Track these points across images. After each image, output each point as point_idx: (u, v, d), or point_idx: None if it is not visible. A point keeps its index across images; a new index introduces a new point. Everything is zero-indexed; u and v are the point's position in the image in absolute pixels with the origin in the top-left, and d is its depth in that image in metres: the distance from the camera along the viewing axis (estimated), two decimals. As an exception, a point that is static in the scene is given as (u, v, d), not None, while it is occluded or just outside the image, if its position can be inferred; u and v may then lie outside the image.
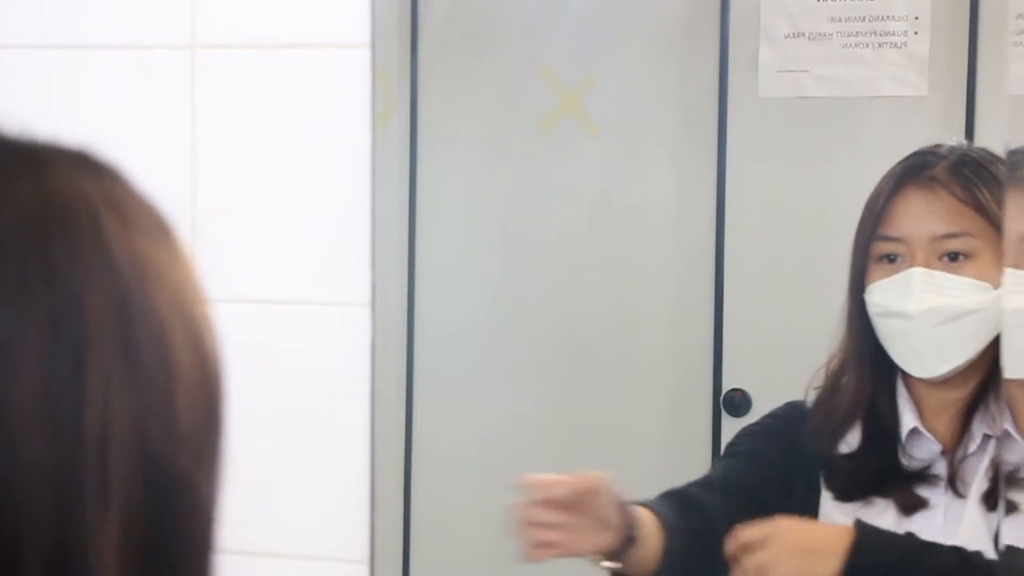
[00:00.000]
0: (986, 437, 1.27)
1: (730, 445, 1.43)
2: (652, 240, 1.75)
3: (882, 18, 1.66)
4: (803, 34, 1.69)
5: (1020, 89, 1.33)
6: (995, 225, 1.27)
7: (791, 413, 1.38)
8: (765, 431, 1.40)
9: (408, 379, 1.72)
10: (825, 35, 1.68)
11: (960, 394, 1.29)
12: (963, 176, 1.29)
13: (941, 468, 1.29)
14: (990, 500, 1.25)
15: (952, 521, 1.27)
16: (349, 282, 1.26)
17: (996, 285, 1.27)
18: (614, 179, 1.76)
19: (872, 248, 1.31)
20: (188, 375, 0.56)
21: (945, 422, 1.30)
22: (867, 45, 1.67)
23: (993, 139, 1.51)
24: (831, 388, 1.35)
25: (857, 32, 1.67)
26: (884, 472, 1.31)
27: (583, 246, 1.76)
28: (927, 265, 1.27)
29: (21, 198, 0.53)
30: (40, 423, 0.50)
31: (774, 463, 1.37)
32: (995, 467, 1.25)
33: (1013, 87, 1.36)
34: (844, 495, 1.32)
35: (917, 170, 1.30)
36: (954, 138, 1.37)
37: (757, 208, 1.70)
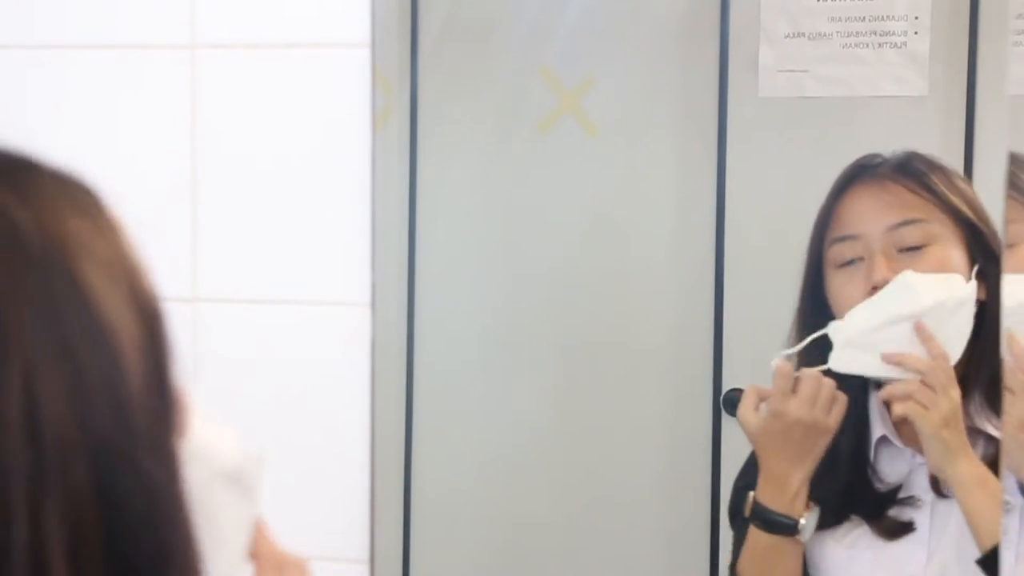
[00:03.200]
0: (970, 430, 1.22)
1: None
2: (652, 240, 1.75)
3: (882, 18, 1.66)
4: (803, 34, 1.69)
5: (1020, 89, 1.33)
6: (949, 211, 1.24)
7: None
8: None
9: (408, 379, 1.71)
10: (825, 35, 1.68)
11: None
12: (909, 166, 1.28)
13: (919, 476, 1.25)
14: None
15: (940, 523, 1.24)
16: (349, 282, 1.26)
17: (961, 270, 1.24)
18: (614, 179, 1.76)
19: (828, 255, 1.27)
20: (132, 357, 0.55)
21: None
22: (867, 45, 1.67)
23: (993, 139, 1.51)
24: None
25: (857, 32, 1.67)
26: (854, 491, 1.27)
27: (583, 246, 1.76)
28: (886, 256, 1.24)
29: None
30: None
31: None
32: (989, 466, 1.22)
33: (1013, 87, 1.36)
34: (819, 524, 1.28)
35: (863, 169, 1.29)
36: (889, 146, 1.36)
37: (757, 208, 1.70)
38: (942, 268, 1.24)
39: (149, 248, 0.61)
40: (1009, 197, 1.24)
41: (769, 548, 1.28)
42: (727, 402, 1.70)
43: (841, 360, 1.24)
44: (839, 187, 1.29)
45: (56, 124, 1.31)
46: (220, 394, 1.09)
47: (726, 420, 1.68)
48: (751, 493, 1.29)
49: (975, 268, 1.24)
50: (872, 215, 1.26)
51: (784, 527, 1.26)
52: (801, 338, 1.30)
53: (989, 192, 1.31)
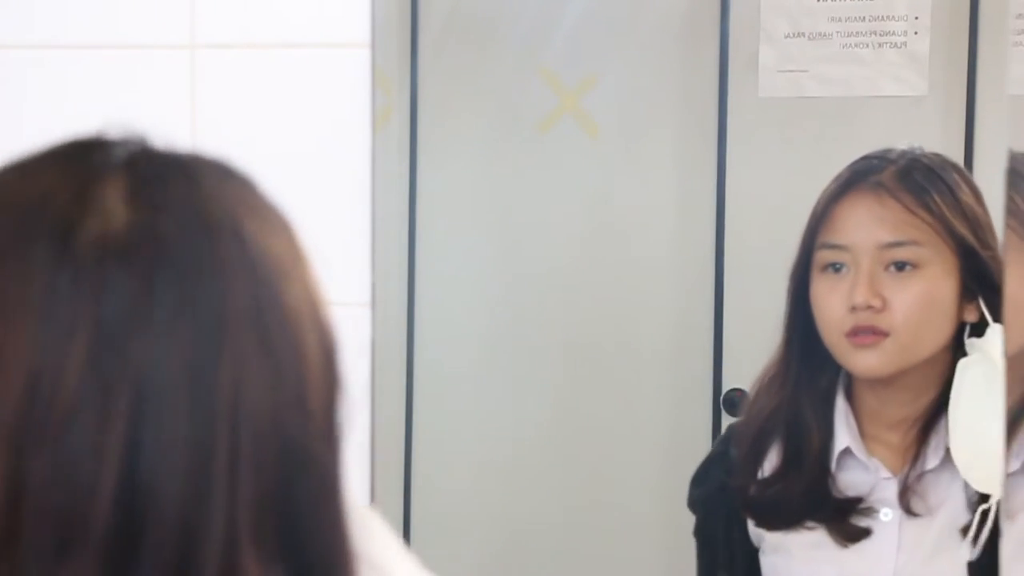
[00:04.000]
0: (949, 451, 1.20)
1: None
2: (652, 240, 1.75)
3: (882, 18, 1.66)
4: (803, 34, 1.69)
5: (1020, 89, 1.32)
6: (946, 233, 1.21)
7: (721, 454, 1.35)
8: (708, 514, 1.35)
9: (408, 379, 1.71)
10: (825, 35, 1.68)
11: (911, 411, 1.23)
12: (912, 181, 1.23)
13: (886, 492, 1.22)
14: (969, 531, 1.18)
15: (910, 540, 1.20)
16: (349, 282, 1.26)
17: (948, 297, 1.21)
18: (614, 179, 1.76)
19: (816, 256, 1.25)
20: (315, 360, 0.61)
21: (893, 441, 1.24)
22: (867, 45, 1.67)
23: (993, 139, 1.51)
24: (754, 402, 1.29)
25: (857, 32, 1.67)
26: (812, 498, 1.24)
27: (583, 246, 1.76)
28: (872, 275, 1.21)
29: (177, 205, 0.60)
30: (181, 401, 0.56)
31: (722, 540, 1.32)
32: (981, 498, 1.18)
33: (1013, 87, 1.35)
34: (767, 523, 1.26)
35: (863, 175, 1.25)
36: (906, 141, 1.32)
37: (757, 208, 1.70)
38: (927, 293, 1.22)
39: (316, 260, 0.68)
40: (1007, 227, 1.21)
41: None
42: (727, 402, 1.70)
43: None
44: (838, 190, 1.25)
45: (56, 124, 1.31)
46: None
47: (726, 420, 1.68)
48: None
49: (980, 299, 1.21)
50: (865, 228, 1.23)
51: None
52: (791, 337, 1.28)
53: (988, 192, 1.31)
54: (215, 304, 0.58)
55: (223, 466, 0.57)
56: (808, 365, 1.26)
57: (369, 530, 0.69)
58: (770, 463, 1.27)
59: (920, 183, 1.23)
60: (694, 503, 1.36)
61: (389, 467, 1.66)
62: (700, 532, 1.35)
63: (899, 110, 1.66)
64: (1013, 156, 1.24)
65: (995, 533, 1.17)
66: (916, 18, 1.65)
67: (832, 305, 1.24)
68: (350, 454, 1.36)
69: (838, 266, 1.24)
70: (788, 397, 1.26)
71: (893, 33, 1.66)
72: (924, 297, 1.22)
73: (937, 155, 1.27)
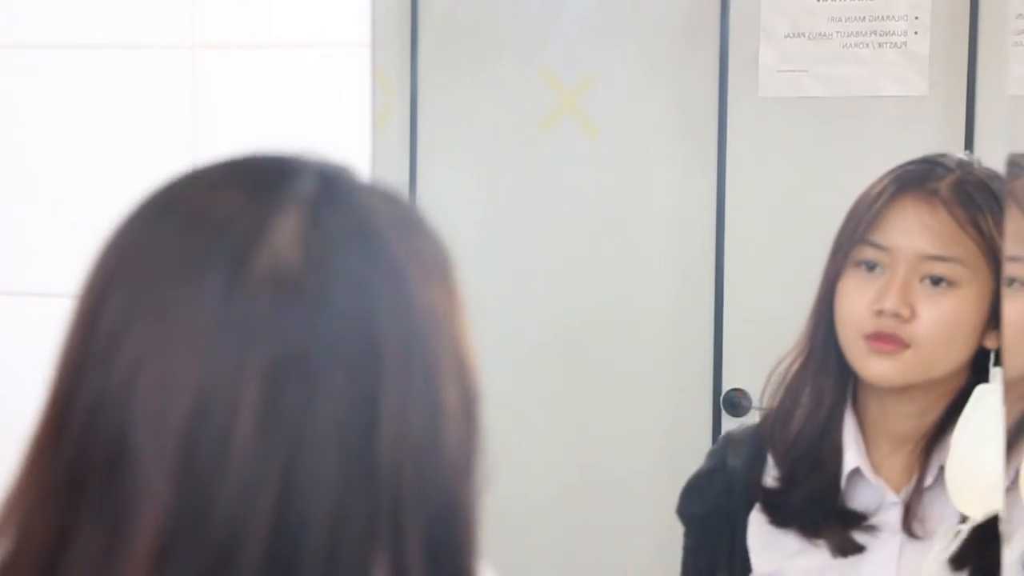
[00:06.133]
0: (943, 469, 1.17)
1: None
2: (652, 240, 1.75)
3: (882, 18, 1.66)
4: (803, 34, 1.69)
5: (1020, 89, 1.31)
6: (990, 256, 1.17)
7: (718, 467, 1.34)
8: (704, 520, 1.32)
9: (408, 379, 1.71)
10: (825, 35, 1.68)
11: (914, 427, 1.20)
12: (966, 196, 1.19)
13: (890, 515, 1.20)
14: (959, 562, 1.15)
15: (909, 563, 1.18)
16: (349, 282, 1.26)
17: (976, 320, 1.18)
18: (614, 179, 1.76)
19: (854, 251, 1.21)
20: (454, 411, 0.65)
21: (899, 462, 1.21)
22: (867, 45, 1.67)
23: (993, 139, 1.51)
24: (791, 398, 1.25)
25: (857, 32, 1.67)
26: (821, 508, 1.22)
27: (583, 246, 1.76)
28: (906, 283, 1.18)
29: (346, 249, 0.61)
30: (332, 451, 0.58)
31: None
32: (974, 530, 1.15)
33: (1013, 87, 1.35)
34: (777, 521, 1.24)
35: (920, 180, 1.20)
36: (965, 152, 1.29)
37: (757, 208, 1.70)
38: (957, 314, 1.18)
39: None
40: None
41: None
42: (727, 402, 1.70)
43: None
44: (892, 190, 1.20)
45: (56, 124, 1.31)
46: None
47: (726, 420, 1.68)
48: None
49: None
50: (910, 234, 1.19)
51: None
52: (817, 330, 1.24)
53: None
54: (372, 355, 0.59)
55: (380, 519, 0.59)
56: (825, 371, 1.24)
57: None
58: (782, 470, 1.25)
59: (976, 200, 1.19)
60: (690, 517, 1.35)
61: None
62: (695, 549, 1.34)
63: (899, 110, 1.66)
64: (1013, 156, 1.23)
65: (991, 558, 1.16)
66: (916, 18, 1.65)
67: (858, 303, 1.20)
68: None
69: (872, 265, 1.20)
70: (824, 397, 1.23)
71: (893, 33, 1.66)
72: (953, 317, 1.19)
73: (992, 172, 1.22)
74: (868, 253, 1.20)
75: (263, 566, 0.56)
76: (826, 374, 1.24)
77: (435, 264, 0.65)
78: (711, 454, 1.35)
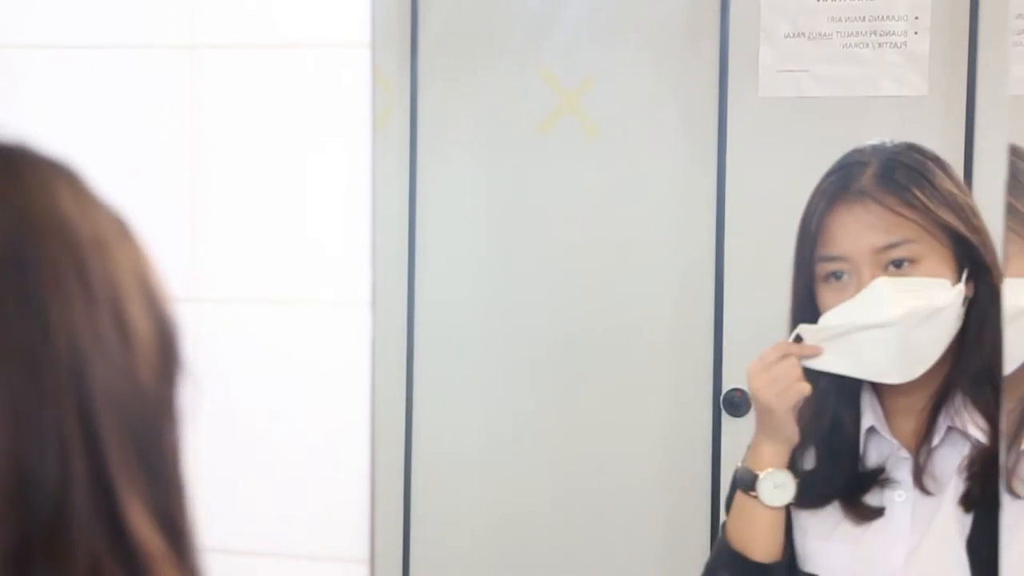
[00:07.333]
0: (950, 429, 1.25)
1: None
2: (652, 240, 1.75)
3: (882, 18, 1.66)
4: (803, 34, 1.69)
5: (1020, 89, 1.33)
6: (933, 225, 1.25)
7: None
8: None
9: (408, 379, 1.72)
10: (825, 35, 1.68)
11: (924, 394, 1.27)
12: (892, 182, 1.26)
13: (903, 471, 1.28)
14: (967, 501, 1.24)
15: (921, 520, 1.25)
16: (349, 282, 1.26)
17: (947, 281, 1.25)
18: (614, 179, 1.76)
19: (817, 269, 1.29)
20: (145, 335, 0.63)
21: (911, 423, 1.28)
22: (867, 45, 1.67)
23: (993, 139, 1.51)
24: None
25: (857, 32, 1.67)
26: (840, 478, 1.30)
27: (583, 246, 1.76)
28: (873, 278, 1.25)
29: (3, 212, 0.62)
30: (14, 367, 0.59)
31: None
32: (970, 467, 1.24)
33: (1013, 87, 1.35)
34: (800, 503, 1.30)
35: (843, 186, 1.28)
36: (876, 137, 1.34)
37: (757, 208, 1.70)
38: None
39: (149, 248, 0.66)
40: (1008, 229, 1.24)
41: (740, 508, 1.31)
42: (727, 402, 1.70)
43: (813, 360, 1.29)
44: (825, 205, 1.29)
45: (56, 124, 1.31)
46: (220, 394, 1.09)
47: (726, 420, 1.68)
48: None
49: (964, 273, 1.25)
50: (857, 238, 1.27)
51: (744, 482, 1.30)
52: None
53: (989, 193, 1.31)
54: (33, 278, 0.60)
55: (74, 424, 0.59)
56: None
57: None
58: (804, 454, 1.32)
59: (900, 182, 1.26)
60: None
61: (389, 467, 1.66)
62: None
63: (899, 110, 1.66)
64: (1013, 156, 1.25)
65: (992, 510, 1.21)
66: (916, 18, 1.65)
67: None
68: (350, 453, 1.36)
69: (839, 274, 1.28)
70: (816, 395, 1.30)
71: (893, 33, 1.66)
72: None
73: (907, 145, 1.30)
74: (829, 267, 1.28)
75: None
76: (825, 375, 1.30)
77: (97, 211, 0.65)
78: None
